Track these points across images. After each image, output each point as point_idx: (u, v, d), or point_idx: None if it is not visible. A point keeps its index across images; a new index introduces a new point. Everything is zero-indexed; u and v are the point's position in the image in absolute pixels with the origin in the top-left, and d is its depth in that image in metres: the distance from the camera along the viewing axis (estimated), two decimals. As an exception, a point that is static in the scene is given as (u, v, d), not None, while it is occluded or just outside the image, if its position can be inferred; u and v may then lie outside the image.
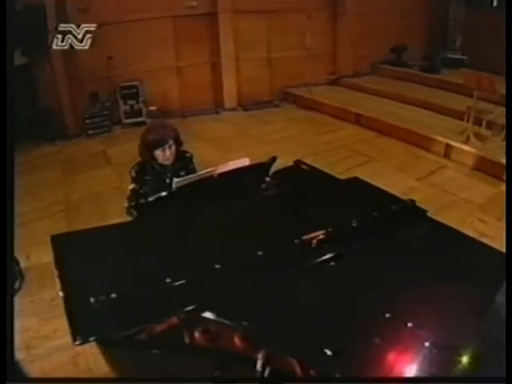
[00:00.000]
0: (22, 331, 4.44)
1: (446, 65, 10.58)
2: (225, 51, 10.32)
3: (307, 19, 10.06)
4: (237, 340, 2.29)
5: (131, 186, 3.72)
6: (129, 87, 9.97)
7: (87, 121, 9.91)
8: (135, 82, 9.98)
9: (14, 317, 2.81)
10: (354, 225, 2.85)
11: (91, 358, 3.98)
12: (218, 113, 10.55)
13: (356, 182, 3.64)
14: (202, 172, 3.50)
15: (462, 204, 6.15)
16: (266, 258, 2.61)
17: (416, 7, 11.05)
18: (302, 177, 3.86)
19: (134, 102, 10.04)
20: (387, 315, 2.26)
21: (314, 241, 2.70)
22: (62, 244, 2.99)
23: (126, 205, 3.64)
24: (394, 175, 6.74)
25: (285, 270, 2.56)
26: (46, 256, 5.43)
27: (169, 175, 3.67)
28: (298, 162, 4.05)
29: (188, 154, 3.86)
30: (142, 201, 3.40)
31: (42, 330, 4.51)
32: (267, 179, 3.60)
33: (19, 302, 4.83)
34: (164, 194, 3.35)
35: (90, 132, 9.92)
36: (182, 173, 3.72)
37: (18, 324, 4.56)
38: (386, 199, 3.24)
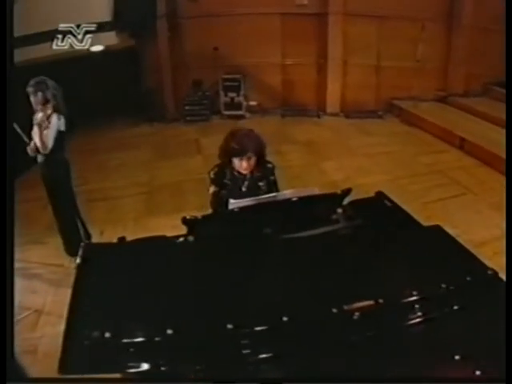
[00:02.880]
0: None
1: None
2: (332, 54, 10.08)
3: (420, 29, 9.56)
4: None
5: (212, 190, 3.57)
6: (231, 79, 10.02)
7: (186, 107, 10.11)
8: (238, 75, 10.01)
9: (14, 317, 2.81)
10: (413, 297, 2.39)
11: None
12: (319, 116, 10.31)
13: (436, 233, 3.05)
14: (264, 196, 3.28)
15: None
16: (294, 324, 2.24)
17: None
18: (379, 215, 3.36)
19: (235, 94, 10.09)
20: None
21: (357, 313, 2.28)
22: (89, 256, 2.85)
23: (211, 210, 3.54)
24: (489, 213, 6.11)
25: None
26: (118, 235, 5.55)
27: (246, 183, 3.52)
28: (379, 195, 3.56)
29: (270, 165, 3.62)
30: (188, 217, 3.20)
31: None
32: (339, 210, 3.29)
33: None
34: (216, 213, 3.18)
35: (188, 118, 10.12)
36: (260, 183, 3.54)
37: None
38: (464, 264, 2.69)
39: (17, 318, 4.28)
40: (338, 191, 3.26)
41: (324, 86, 10.33)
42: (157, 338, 2.17)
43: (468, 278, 2.54)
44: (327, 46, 10.06)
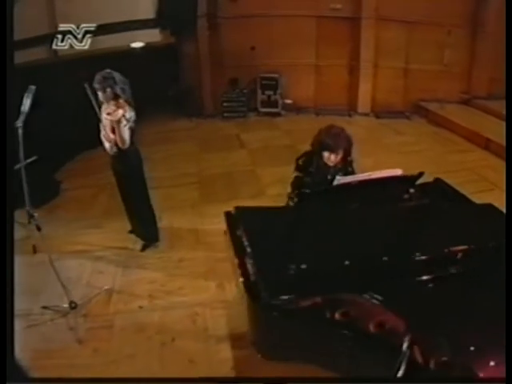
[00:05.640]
0: (146, 282, 4.91)
1: None
2: (364, 56, 10.45)
3: (447, 35, 9.89)
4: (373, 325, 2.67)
5: (295, 174, 4.13)
6: (269, 78, 10.40)
7: (224, 104, 10.49)
8: (275, 75, 10.38)
9: (14, 316, 3.00)
10: (489, 245, 3.16)
11: (209, 319, 4.36)
12: (350, 116, 10.67)
13: (489, 207, 3.84)
14: (361, 175, 3.82)
15: None
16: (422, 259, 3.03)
17: None
18: (442, 194, 4.04)
19: (271, 92, 10.46)
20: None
21: (460, 253, 3.02)
22: (233, 217, 3.61)
23: (289, 191, 4.05)
24: (517, 206, 6.55)
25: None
26: (177, 221, 5.96)
27: (331, 172, 4.00)
28: (438, 180, 4.25)
29: (349, 158, 4.14)
30: (306, 190, 3.74)
31: (167, 285, 4.86)
32: (411, 190, 3.85)
33: (147, 256, 5.35)
34: (324, 188, 3.75)
35: (226, 115, 10.50)
36: (340, 174, 4.01)
37: (143, 275, 5.04)
38: None
39: (87, 296, 4.55)
40: (415, 173, 3.90)
41: (356, 86, 10.68)
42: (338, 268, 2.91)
43: None
44: (359, 49, 10.40)
